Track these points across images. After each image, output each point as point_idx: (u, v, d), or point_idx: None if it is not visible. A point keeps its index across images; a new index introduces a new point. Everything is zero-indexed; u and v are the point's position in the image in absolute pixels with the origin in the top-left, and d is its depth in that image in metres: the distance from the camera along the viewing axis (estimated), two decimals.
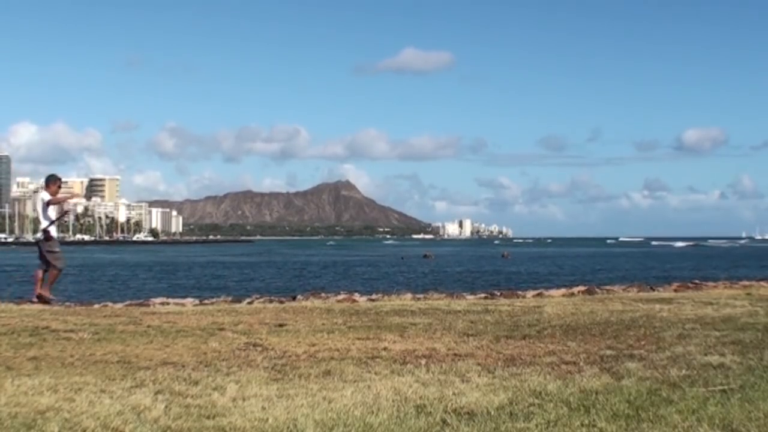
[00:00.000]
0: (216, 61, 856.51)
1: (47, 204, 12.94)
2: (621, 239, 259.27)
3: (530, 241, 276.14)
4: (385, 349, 6.90)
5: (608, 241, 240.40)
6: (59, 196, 13.28)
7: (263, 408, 4.51)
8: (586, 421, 4.11)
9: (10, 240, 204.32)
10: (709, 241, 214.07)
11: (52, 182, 13.21)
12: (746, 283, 17.02)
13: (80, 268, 60.34)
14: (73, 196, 13.60)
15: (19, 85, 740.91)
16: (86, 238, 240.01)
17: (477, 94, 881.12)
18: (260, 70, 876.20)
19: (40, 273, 12.86)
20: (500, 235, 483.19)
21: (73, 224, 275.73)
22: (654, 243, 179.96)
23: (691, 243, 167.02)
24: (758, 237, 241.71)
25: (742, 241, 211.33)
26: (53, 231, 13.03)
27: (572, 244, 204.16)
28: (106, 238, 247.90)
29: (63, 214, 13.49)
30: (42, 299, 12.31)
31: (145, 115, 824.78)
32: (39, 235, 13.25)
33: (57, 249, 13.06)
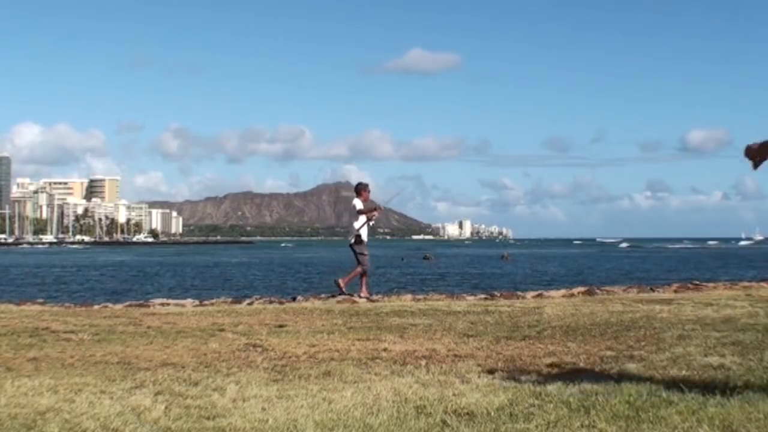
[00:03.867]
0: (222, 61, 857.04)
1: (359, 212, 14.20)
2: (598, 240, 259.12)
3: (512, 242, 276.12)
4: (385, 350, 6.91)
5: (575, 242, 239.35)
6: (368, 208, 14.46)
7: (263, 409, 4.52)
8: (586, 422, 4.11)
9: (10, 241, 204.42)
10: (685, 241, 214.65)
11: (363, 189, 14.51)
12: (746, 284, 17.03)
13: (84, 268, 60.42)
14: (380, 209, 14.95)
15: (23, 85, 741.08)
16: (86, 239, 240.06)
17: (483, 95, 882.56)
18: (266, 71, 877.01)
19: (359, 271, 14.30)
20: (500, 236, 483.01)
21: (72, 225, 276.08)
22: (623, 245, 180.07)
23: (629, 245, 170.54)
24: (758, 237, 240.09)
25: (712, 243, 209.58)
26: (364, 235, 14.30)
27: (547, 245, 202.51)
28: (106, 239, 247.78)
29: (369, 219, 14.52)
30: (346, 294, 13.66)
31: (150, 115, 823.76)
32: (351, 238, 14.39)
33: (365, 252, 14.18)
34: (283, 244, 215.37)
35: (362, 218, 14.30)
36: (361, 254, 14.15)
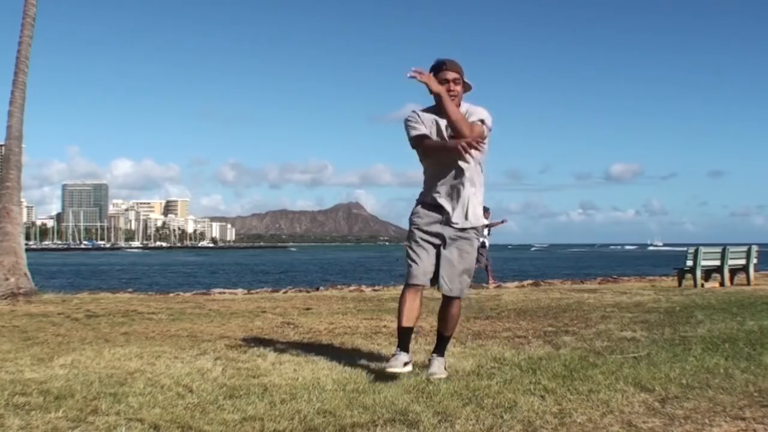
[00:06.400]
0: (266, 112, 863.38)
1: (485, 226, 14.28)
2: (536, 245, 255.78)
3: None
4: (385, 326, 6.91)
5: (508, 246, 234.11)
6: (494, 221, 15.24)
7: (294, 370, 4.51)
8: (533, 380, 4.11)
9: (107, 246, 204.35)
10: (597, 247, 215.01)
11: (485, 211, 15.01)
12: (652, 278, 17.01)
13: (162, 266, 60.32)
14: (505, 221, 15.97)
15: (119, 131, 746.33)
16: (164, 244, 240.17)
17: None
18: (300, 119, 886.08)
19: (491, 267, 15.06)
20: None
21: (153, 234, 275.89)
22: (533, 249, 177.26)
23: (545, 246, 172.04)
24: (659, 244, 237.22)
25: (629, 247, 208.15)
26: (487, 242, 15.00)
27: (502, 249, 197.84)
28: (178, 245, 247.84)
29: (490, 229, 15.23)
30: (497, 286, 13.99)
31: (214, 153, 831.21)
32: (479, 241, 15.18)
33: (485, 255, 14.67)
34: (290, 248, 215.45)
35: (485, 230, 14.76)
36: (482, 255, 14.54)
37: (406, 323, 4.27)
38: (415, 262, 4.27)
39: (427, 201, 4.32)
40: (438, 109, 4.19)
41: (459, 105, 4.21)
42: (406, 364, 4.17)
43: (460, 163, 4.19)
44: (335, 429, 3.18)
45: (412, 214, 4.37)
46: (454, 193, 4.27)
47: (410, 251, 4.29)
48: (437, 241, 4.28)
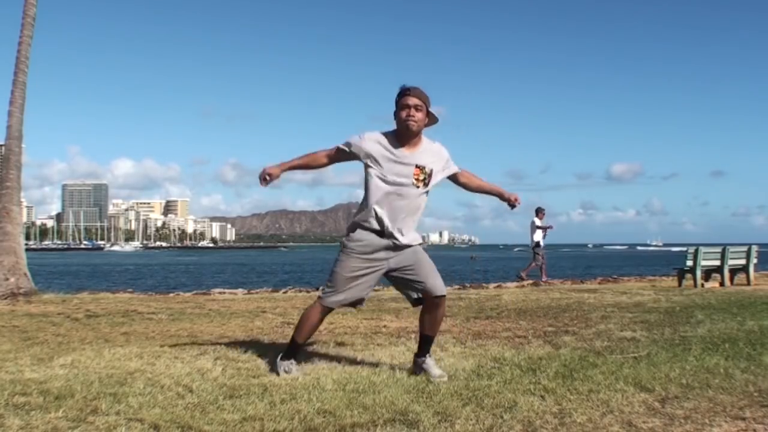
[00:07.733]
0: (268, 111, 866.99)
1: (538, 227, 15.81)
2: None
3: (463, 246, 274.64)
4: (384, 326, 6.90)
5: (500, 246, 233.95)
6: (545, 224, 16.08)
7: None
8: (533, 380, 4.11)
9: (107, 246, 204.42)
10: (590, 247, 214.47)
11: (541, 212, 16.08)
12: (652, 278, 17.00)
13: (160, 266, 60.28)
14: (552, 227, 16.66)
15: (120, 130, 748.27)
16: (163, 244, 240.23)
17: (461, 138, 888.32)
18: (301, 118, 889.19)
19: (535, 266, 15.75)
20: (469, 242, 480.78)
21: (153, 234, 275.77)
22: (515, 250, 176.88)
23: (519, 249, 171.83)
24: (658, 243, 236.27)
25: (622, 247, 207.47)
26: (542, 242, 15.90)
27: (492, 249, 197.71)
28: (178, 245, 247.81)
29: (545, 231, 16.07)
30: (532, 282, 14.51)
31: (215, 153, 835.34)
32: (532, 243, 15.71)
33: (540, 253, 15.76)
34: (282, 248, 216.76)
35: (539, 231, 15.77)
36: (538, 254, 15.59)
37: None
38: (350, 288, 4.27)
39: (370, 226, 4.20)
40: (403, 142, 4.14)
41: (420, 133, 4.16)
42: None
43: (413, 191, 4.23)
44: (335, 429, 3.18)
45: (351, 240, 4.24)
46: (401, 217, 4.21)
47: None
48: (382, 266, 4.25)
